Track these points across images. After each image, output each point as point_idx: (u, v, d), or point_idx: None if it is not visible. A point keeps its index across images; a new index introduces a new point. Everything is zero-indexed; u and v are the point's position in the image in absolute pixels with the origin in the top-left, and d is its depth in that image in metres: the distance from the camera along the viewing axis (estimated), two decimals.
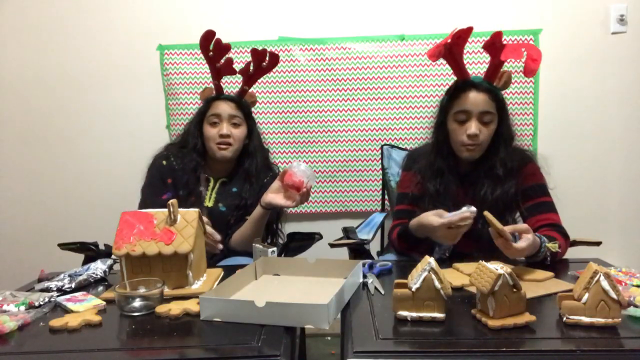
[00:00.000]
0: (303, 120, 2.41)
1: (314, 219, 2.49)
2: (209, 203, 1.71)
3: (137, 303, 1.06)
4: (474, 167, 1.55)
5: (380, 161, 2.14)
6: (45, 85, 2.47)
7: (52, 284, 1.22)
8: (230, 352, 0.85)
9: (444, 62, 1.49)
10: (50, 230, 2.51)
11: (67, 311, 1.07)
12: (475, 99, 1.45)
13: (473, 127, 1.45)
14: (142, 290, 1.10)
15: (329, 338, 2.46)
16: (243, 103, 1.74)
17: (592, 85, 2.39)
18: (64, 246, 1.65)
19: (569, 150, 2.43)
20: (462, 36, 1.40)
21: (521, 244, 1.24)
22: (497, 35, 1.39)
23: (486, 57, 2.31)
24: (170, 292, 1.18)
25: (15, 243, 2.55)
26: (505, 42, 1.41)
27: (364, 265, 1.39)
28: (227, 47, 1.65)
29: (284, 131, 2.42)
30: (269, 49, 1.73)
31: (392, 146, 2.12)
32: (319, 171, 2.44)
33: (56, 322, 0.97)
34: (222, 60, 1.67)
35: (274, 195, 1.55)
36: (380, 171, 2.15)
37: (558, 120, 2.41)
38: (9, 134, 2.51)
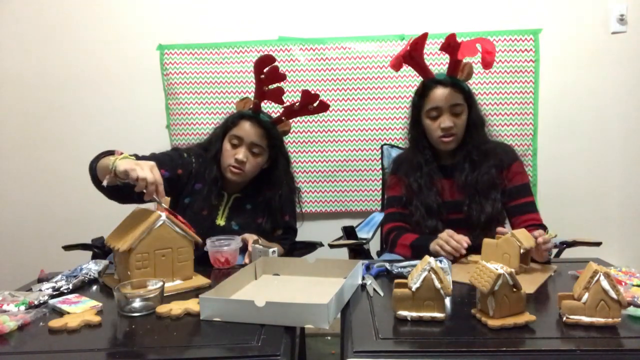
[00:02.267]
0: (303, 120, 2.41)
1: (314, 219, 2.49)
2: (220, 221, 1.62)
3: (137, 304, 1.05)
4: (452, 156, 1.62)
5: (379, 161, 2.14)
6: (44, 85, 2.47)
7: (49, 286, 1.21)
8: (230, 352, 0.85)
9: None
10: (50, 231, 2.52)
11: (63, 314, 1.06)
12: (443, 94, 1.54)
13: (447, 120, 1.53)
14: (142, 291, 1.09)
15: (329, 338, 2.46)
16: (272, 132, 1.63)
17: (592, 85, 2.39)
18: (68, 248, 1.66)
19: (569, 150, 2.42)
20: (419, 42, 1.50)
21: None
22: (451, 37, 1.48)
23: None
24: (183, 285, 1.22)
25: (15, 243, 2.55)
26: (460, 41, 1.50)
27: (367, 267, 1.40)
28: (281, 77, 1.55)
29: None
30: (320, 98, 1.60)
31: (392, 146, 2.11)
32: (318, 171, 2.44)
33: (55, 323, 0.97)
34: (272, 87, 1.57)
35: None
36: (380, 171, 2.15)
37: (558, 120, 2.41)
38: (8, 134, 2.51)
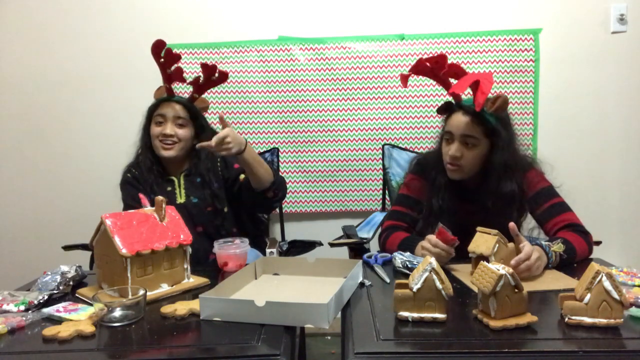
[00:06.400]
0: (303, 120, 2.41)
1: (314, 219, 2.48)
2: (181, 199, 1.72)
3: (117, 313, 1.00)
4: (477, 184, 1.54)
5: (380, 160, 2.14)
6: (45, 85, 2.47)
7: (41, 296, 1.13)
8: (230, 352, 0.85)
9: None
10: (50, 230, 2.51)
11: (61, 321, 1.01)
12: (459, 121, 1.47)
13: (453, 148, 1.47)
14: (123, 299, 1.04)
15: (329, 337, 2.46)
16: (190, 106, 1.75)
17: (591, 84, 2.39)
18: (68, 248, 1.65)
19: (569, 150, 2.42)
20: (439, 62, 1.46)
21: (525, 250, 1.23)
22: (455, 66, 1.45)
23: (487, 57, 2.33)
24: (175, 288, 1.20)
25: (15, 243, 2.55)
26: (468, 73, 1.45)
27: (369, 257, 1.43)
28: (176, 57, 1.68)
29: (284, 131, 2.42)
30: (219, 67, 1.69)
31: (393, 146, 2.11)
32: (319, 171, 2.44)
33: (48, 331, 0.93)
34: (172, 68, 1.70)
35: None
36: (381, 171, 2.15)
37: (558, 120, 2.40)
38: (9, 134, 2.50)
